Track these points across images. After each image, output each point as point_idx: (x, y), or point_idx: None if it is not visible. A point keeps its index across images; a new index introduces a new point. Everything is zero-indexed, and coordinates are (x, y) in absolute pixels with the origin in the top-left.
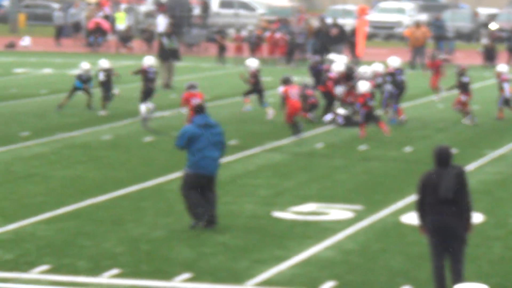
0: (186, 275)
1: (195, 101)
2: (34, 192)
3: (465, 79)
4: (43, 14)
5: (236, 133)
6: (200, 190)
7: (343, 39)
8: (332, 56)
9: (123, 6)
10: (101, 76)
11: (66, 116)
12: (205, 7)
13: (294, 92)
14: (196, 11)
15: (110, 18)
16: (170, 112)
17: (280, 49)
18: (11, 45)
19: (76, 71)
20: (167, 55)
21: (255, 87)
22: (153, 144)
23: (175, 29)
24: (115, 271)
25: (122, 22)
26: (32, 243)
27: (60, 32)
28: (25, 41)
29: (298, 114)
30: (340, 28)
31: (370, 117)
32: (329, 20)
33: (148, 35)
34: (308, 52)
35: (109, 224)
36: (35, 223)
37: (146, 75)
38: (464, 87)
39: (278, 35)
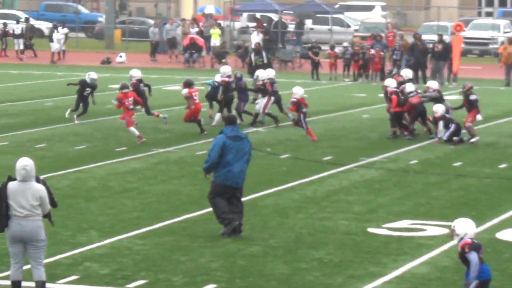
0: None
1: (129, 101)
2: (130, 207)
3: (472, 97)
4: (139, 30)
5: (330, 149)
6: (227, 199)
7: (447, 55)
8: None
9: (218, 22)
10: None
11: (161, 132)
12: (300, 24)
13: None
14: (291, 27)
15: (204, 34)
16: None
17: (375, 65)
18: (107, 61)
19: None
20: (254, 71)
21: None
22: None
23: (268, 45)
24: (210, 286)
25: (217, 39)
26: (128, 257)
27: (156, 48)
28: (121, 57)
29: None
30: (445, 44)
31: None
32: (427, 36)
33: (242, 51)
34: (402, 68)
35: (204, 239)
36: (131, 237)
37: (227, 86)
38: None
39: (372, 51)
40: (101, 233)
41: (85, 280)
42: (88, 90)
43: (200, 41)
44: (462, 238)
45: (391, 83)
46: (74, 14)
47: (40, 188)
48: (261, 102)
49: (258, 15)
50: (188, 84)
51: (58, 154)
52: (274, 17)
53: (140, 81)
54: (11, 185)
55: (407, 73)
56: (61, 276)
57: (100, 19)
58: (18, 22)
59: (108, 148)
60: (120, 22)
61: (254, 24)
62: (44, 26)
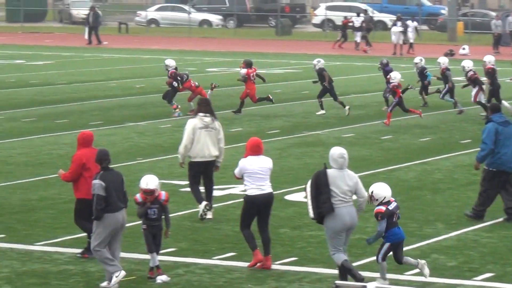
0: None
1: None
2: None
3: None
4: (481, 22)
5: None
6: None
7: None
8: None
9: None
10: None
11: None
12: None
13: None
14: None
15: None
16: None
17: None
18: (450, 53)
19: None
20: None
21: None
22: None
23: None
24: None
25: None
26: (475, 250)
27: (498, 41)
28: (464, 50)
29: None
30: None
31: None
32: None
33: None
34: None
35: None
36: (477, 230)
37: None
38: None
39: None
40: (448, 225)
41: (433, 272)
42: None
43: None
44: (381, 202)
45: None
46: (417, 7)
47: (355, 175)
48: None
49: None
50: (248, 65)
51: (403, 146)
52: None
53: (176, 69)
54: (330, 172)
55: None
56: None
57: (442, 11)
58: (358, 15)
59: (453, 140)
60: (462, 15)
61: None
62: (387, 18)
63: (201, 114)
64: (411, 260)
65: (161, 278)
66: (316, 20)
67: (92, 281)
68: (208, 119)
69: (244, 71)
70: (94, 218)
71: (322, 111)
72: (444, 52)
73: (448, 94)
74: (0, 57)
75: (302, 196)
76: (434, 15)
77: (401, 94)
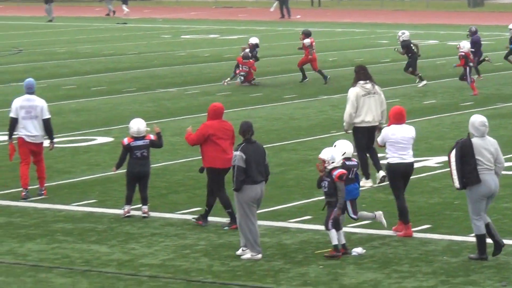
0: None
1: None
2: None
3: None
4: None
5: None
6: None
7: None
8: None
9: None
10: None
11: None
12: None
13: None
14: None
15: None
16: None
17: None
18: None
19: None
20: None
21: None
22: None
23: None
24: None
25: None
26: None
27: None
28: None
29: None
30: None
31: None
32: None
33: None
34: None
35: None
36: None
37: None
38: None
39: None
40: None
41: None
42: None
43: None
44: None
45: None
46: None
47: (495, 141)
48: None
49: None
50: (307, 35)
51: None
52: None
53: (256, 46)
54: (475, 141)
55: None
56: None
57: None
58: None
59: None
60: None
61: None
62: None
63: (361, 82)
64: (367, 214)
65: (357, 251)
66: None
67: (288, 253)
68: (369, 85)
69: (308, 40)
70: (234, 189)
71: (424, 82)
72: None
73: None
74: (194, 32)
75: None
76: None
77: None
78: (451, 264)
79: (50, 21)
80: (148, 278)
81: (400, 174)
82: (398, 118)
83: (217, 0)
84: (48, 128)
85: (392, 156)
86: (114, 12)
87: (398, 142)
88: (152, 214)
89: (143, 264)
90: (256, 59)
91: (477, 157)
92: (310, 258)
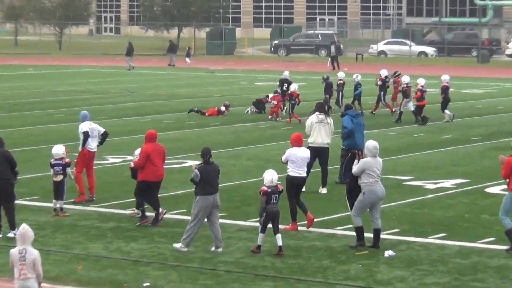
0: None
1: None
2: None
3: None
4: None
5: None
6: None
7: None
8: None
9: None
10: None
11: None
12: None
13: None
14: None
15: None
16: None
17: None
18: None
19: None
20: None
21: None
22: None
23: None
24: None
25: None
26: None
27: None
28: None
29: None
30: None
31: None
32: None
33: None
34: None
35: None
36: None
37: None
38: None
39: None
40: None
41: None
42: None
43: None
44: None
45: None
46: None
47: (381, 161)
48: None
49: None
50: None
51: None
52: None
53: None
54: (368, 160)
55: None
56: None
57: None
58: None
59: None
60: None
61: None
62: None
63: (317, 112)
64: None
65: (388, 253)
66: (509, 51)
67: (334, 254)
68: (322, 116)
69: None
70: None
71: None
72: None
73: None
74: (265, 79)
75: (499, 189)
76: None
77: None
78: (462, 265)
79: (129, 70)
80: (224, 272)
81: (295, 185)
82: (297, 142)
83: (283, 55)
84: None
85: (292, 171)
86: (174, 65)
87: (297, 161)
88: (229, 221)
89: (221, 261)
90: (284, 92)
91: (368, 172)
92: (352, 258)
